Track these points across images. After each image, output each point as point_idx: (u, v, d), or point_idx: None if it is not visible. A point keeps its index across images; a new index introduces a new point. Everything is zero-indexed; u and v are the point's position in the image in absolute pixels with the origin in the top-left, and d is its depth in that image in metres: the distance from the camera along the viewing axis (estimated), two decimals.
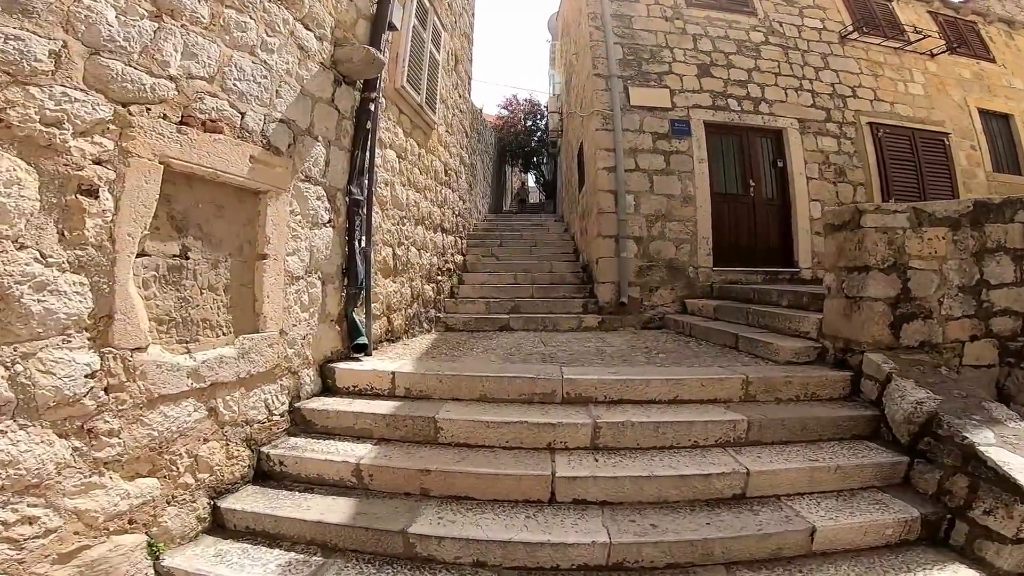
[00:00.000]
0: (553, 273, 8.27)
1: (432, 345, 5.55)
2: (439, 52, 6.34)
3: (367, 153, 4.34)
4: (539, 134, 21.03)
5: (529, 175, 24.87)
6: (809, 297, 5.05)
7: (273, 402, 3.32)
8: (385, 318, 5.18)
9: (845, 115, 8.11)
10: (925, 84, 8.79)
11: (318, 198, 3.70)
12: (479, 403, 3.69)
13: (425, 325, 6.42)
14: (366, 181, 4.32)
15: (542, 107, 21.12)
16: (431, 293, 6.58)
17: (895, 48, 8.73)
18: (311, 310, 3.65)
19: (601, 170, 7.06)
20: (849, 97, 8.19)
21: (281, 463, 3.20)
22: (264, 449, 3.21)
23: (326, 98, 3.84)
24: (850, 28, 8.45)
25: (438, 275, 6.89)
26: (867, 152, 8.10)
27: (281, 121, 3.28)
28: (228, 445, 2.95)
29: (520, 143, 20.66)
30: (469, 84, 8.55)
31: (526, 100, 21.75)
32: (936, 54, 8.95)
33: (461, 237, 8.14)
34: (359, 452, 3.24)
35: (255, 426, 3.17)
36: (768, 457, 3.17)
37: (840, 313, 4.05)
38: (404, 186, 5.50)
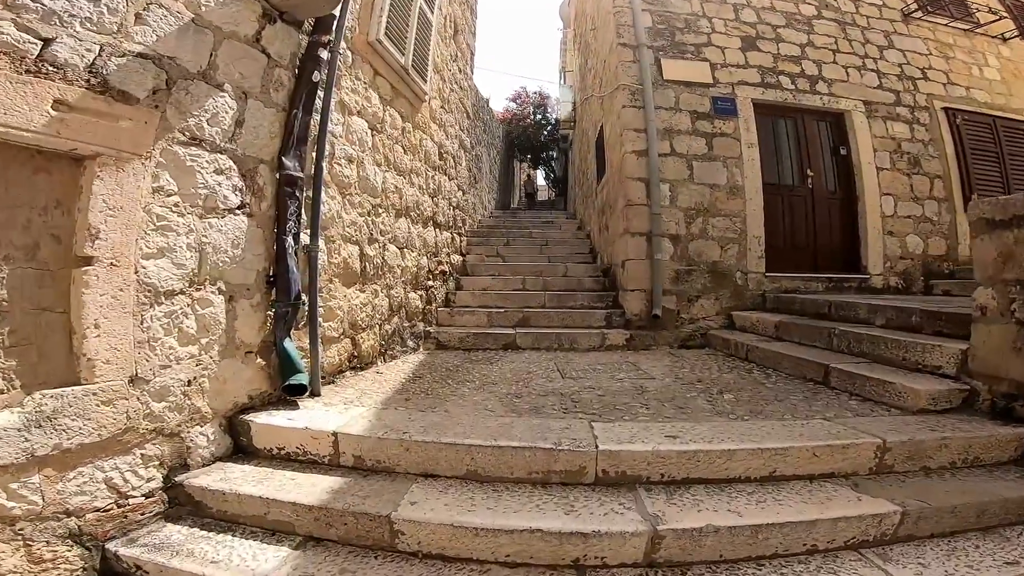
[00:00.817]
0: (568, 277, 6.92)
1: (413, 374, 4.22)
2: (432, 12, 5.03)
3: (315, 116, 3.04)
4: (549, 128, 19.73)
5: (539, 171, 23.54)
6: (922, 316, 3.67)
7: (128, 480, 2.03)
8: (348, 340, 3.87)
9: (917, 98, 6.70)
10: (1000, 69, 7.40)
11: (218, 171, 2.41)
12: (465, 484, 2.37)
13: (410, 343, 5.10)
14: (313, 154, 3.02)
15: (552, 100, 19.82)
16: (418, 303, 5.26)
17: (964, 30, 7.36)
18: (204, 340, 2.34)
19: (629, 154, 5.71)
20: (919, 79, 6.80)
21: (137, 567, 1.93)
22: (112, 546, 1.99)
23: (245, 36, 2.59)
24: (913, 6, 7.07)
25: (428, 280, 5.57)
26: (944, 140, 6.69)
27: (141, 57, 2.01)
28: (28, 546, 1.69)
29: (529, 137, 19.36)
30: (471, 60, 7.23)
31: (536, 93, 20.50)
32: (1008, 38, 7.57)
33: (460, 234, 6.82)
34: (263, 566, 1.94)
35: (90, 516, 1.90)
36: (938, 567, 1.89)
37: (1007, 346, 2.69)
38: (379, 166, 4.19)
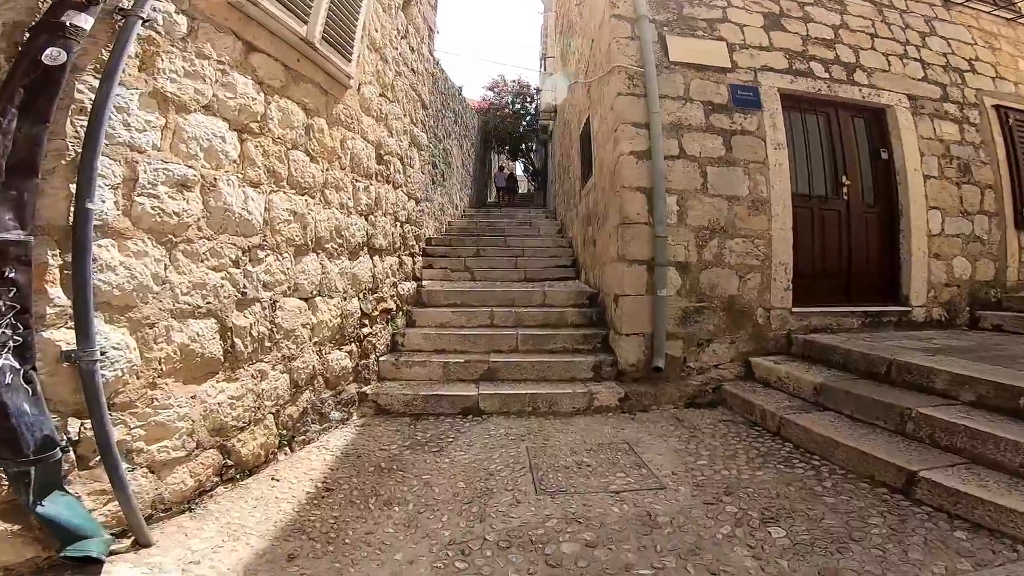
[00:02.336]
0: (548, 308, 5.49)
1: (324, 483, 2.79)
2: None
3: (71, 123, 1.58)
4: (528, 118, 18.16)
5: (517, 163, 21.99)
6: None
7: None
8: (213, 450, 2.44)
9: (965, 94, 5.40)
10: None
11: None
12: None
13: (335, 414, 3.67)
14: (72, 187, 1.56)
15: (532, 89, 18.25)
16: (346, 361, 3.82)
17: (1008, 19, 6.08)
18: None
19: (627, 156, 4.30)
20: (967, 72, 5.49)
21: None
22: None
23: None
24: None
25: (363, 327, 4.13)
26: (995, 143, 5.42)
27: None
28: None
29: (507, 128, 17.77)
30: (430, 38, 5.67)
31: (514, 81, 18.83)
32: None
33: (413, 254, 5.34)
34: None
35: None
36: None
37: None
38: (257, 187, 2.70)
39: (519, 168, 21.87)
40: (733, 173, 4.43)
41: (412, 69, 4.84)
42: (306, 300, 3.27)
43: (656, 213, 4.14)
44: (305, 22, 2.82)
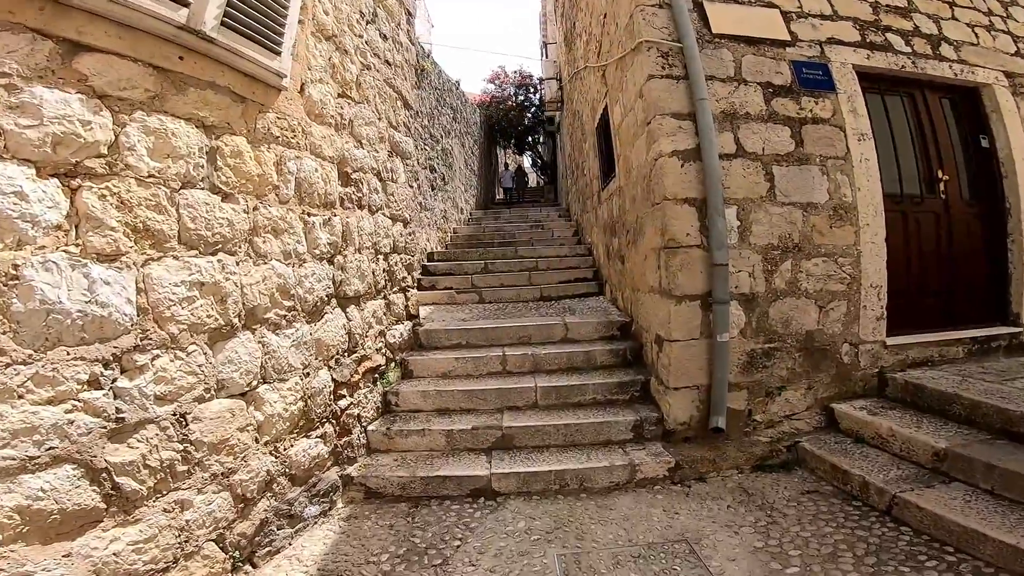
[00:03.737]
0: (571, 345, 4.39)
1: None
2: None
3: None
4: (534, 109, 16.94)
5: (525, 157, 20.78)
6: None
7: None
8: None
9: None
10: None
11: None
12: None
13: (310, 510, 2.68)
14: None
15: (535, 79, 17.01)
16: (319, 448, 2.82)
17: None
18: None
19: (668, 158, 3.20)
20: None
21: None
22: None
23: None
24: None
25: (339, 399, 3.12)
26: None
27: None
28: None
29: (511, 121, 16.57)
30: (408, 22, 4.56)
31: (515, 72, 17.55)
32: None
33: (405, 288, 4.30)
34: None
35: None
36: None
37: None
38: (116, 260, 1.70)
39: (527, 162, 20.67)
40: (807, 173, 3.32)
41: (387, 61, 3.76)
42: (241, 396, 2.28)
43: (712, 233, 3.05)
44: (185, 4, 1.78)
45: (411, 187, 4.24)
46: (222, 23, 1.94)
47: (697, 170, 3.13)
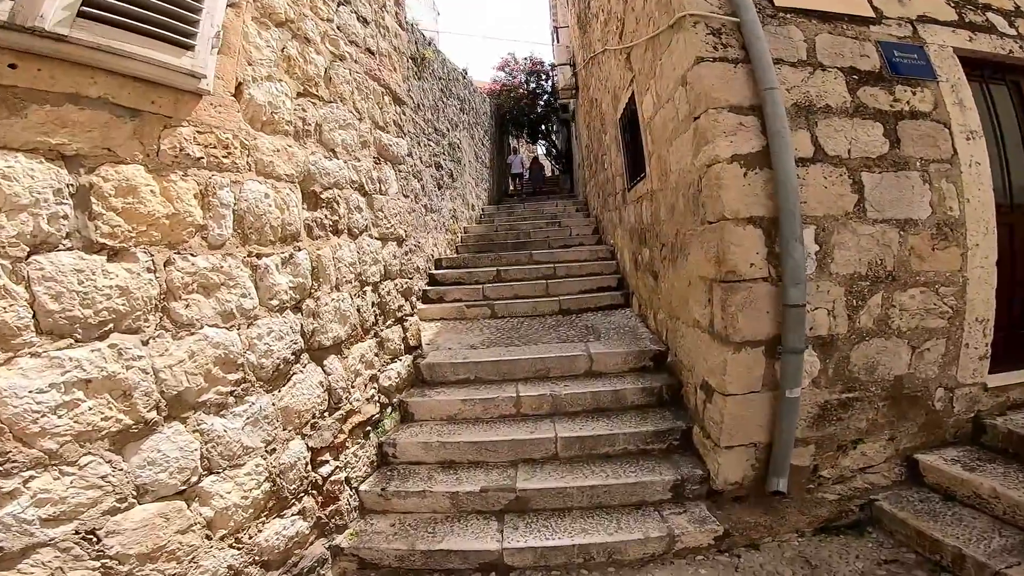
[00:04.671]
0: (597, 381, 3.64)
1: None
2: None
3: None
4: (546, 97, 16.02)
5: (539, 146, 19.89)
6: None
7: None
8: None
9: None
10: None
11: None
12: None
13: None
14: None
15: (546, 66, 16.07)
16: (298, 525, 2.22)
17: None
18: None
19: (726, 164, 2.45)
20: None
21: None
22: None
23: None
24: None
25: (321, 464, 2.50)
26: None
27: None
28: None
29: (523, 109, 15.68)
30: (397, 4, 3.81)
31: (526, 58, 16.55)
32: None
33: (402, 318, 3.62)
34: None
35: None
36: None
37: None
38: None
39: (541, 150, 19.78)
40: (904, 182, 2.55)
41: (368, 50, 3.04)
42: (178, 496, 1.68)
43: (787, 263, 2.31)
44: None
45: (406, 197, 3.56)
46: (80, 14, 1.27)
47: (765, 180, 2.39)
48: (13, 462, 1.30)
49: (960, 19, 2.84)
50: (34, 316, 1.30)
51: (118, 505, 1.52)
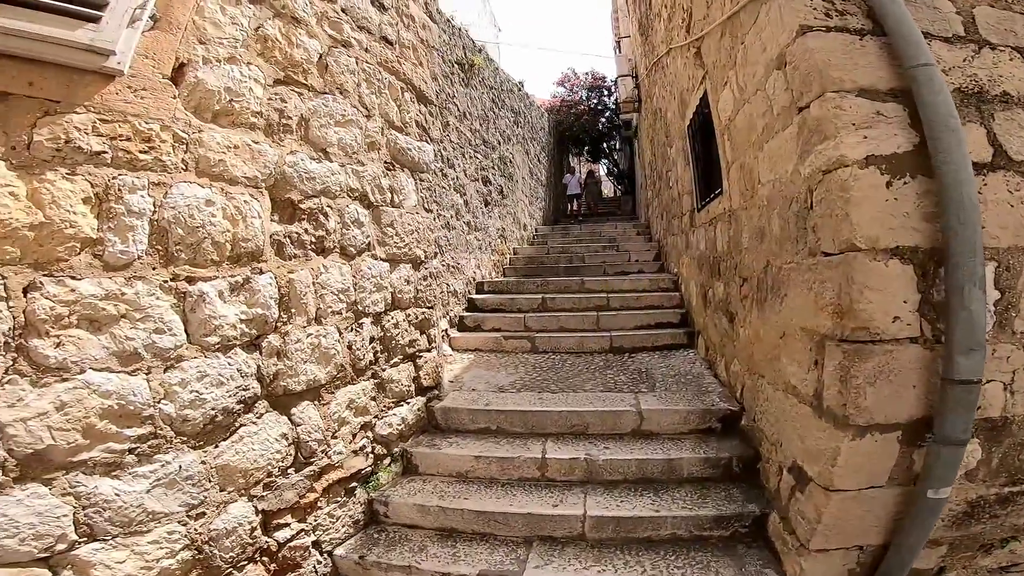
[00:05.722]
0: (646, 446, 2.84)
1: None
2: None
3: None
4: (608, 113, 15.35)
5: (600, 165, 19.16)
6: None
7: None
8: None
9: None
10: None
11: None
12: None
13: None
14: None
15: (608, 81, 15.45)
16: None
17: None
18: None
19: (856, 168, 1.68)
20: None
21: None
22: None
23: None
24: None
25: (275, 529, 1.94)
26: None
27: None
28: None
29: (584, 127, 15.06)
30: None
31: (587, 73, 15.98)
32: None
33: (414, 355, 3.00)
34: None
35: None
36: None
37: None
38: None
39: (601, 170, 19.01)
40: None
41: (384, 38, 2.54)
42: (40, 563, 1.18)
43: (957, 317, 1.51)
44: None
45: (428, 211, 3.00)
46: None
47: (919, 193, 1.61)
48: None
49: None
50: None
51: None
